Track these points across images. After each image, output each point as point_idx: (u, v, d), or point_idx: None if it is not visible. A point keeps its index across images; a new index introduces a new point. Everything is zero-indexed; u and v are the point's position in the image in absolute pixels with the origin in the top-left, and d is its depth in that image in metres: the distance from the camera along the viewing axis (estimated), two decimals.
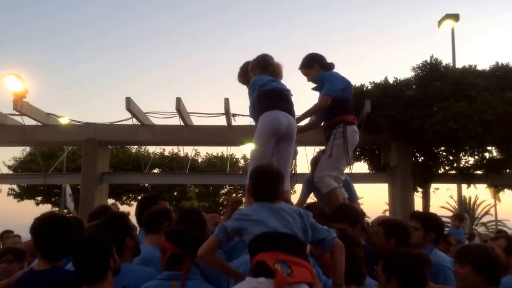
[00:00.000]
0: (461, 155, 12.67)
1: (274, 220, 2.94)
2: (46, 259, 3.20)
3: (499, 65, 10.99)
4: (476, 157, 12.67)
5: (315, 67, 5.62)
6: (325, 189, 5.34)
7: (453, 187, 15.55)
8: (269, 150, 4.61)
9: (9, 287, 3.63)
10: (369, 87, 11.47)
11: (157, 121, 12.17)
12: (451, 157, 12.82)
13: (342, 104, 5.46)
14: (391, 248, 3.67)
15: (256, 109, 4.65)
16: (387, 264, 3.14)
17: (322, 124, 5.83)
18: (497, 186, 15.10)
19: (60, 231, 3.24)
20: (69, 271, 3.17)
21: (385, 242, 3.85)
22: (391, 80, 11.43)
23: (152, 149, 21.82)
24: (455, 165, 12.94)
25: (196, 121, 12.08)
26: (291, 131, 4.61)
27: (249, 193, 3.34)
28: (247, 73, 5.09)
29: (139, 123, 11.84)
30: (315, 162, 5.77)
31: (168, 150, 24.96)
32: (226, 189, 27.36)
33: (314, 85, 5.69)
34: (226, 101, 11.01)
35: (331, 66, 5.67)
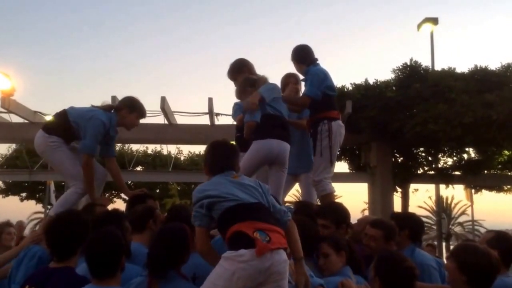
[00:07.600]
0: (440, 156, 12.82)
1: (241, 192, 2.99)
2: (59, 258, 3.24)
3: (478, 68, 10.94)
4: (455, 158, 12.87)
5: (295, 63, 5.73)
6: (320, 192, 5.43)
7: (431, 187, 15.72)
8: (253, 173, 4.81)
9: None
10: (350, 88, 11.45)
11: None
12: (430, 158, 12.98)
13: (325, 101, 5.48)
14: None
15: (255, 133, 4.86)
16: (378, 264, 3.23)
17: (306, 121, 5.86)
18: (475, 186, 15.37)
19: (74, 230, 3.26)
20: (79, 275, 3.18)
21: (383, 245, 3.85)
22: (371, 82, 11.41)
23: (136, 147, 21.73)
24: (434, 165, 13.10)
25: (180, 120, 12.03)
26: (283, 158, 4.85)
27: (206, 168, 3.33)
28: (239, 72, 5.49)
29: None
30: None
31: (151, 148, 24.84)
32: None
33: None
34: (210, 100, 10.99)
35: (307, 61, 5.64)
